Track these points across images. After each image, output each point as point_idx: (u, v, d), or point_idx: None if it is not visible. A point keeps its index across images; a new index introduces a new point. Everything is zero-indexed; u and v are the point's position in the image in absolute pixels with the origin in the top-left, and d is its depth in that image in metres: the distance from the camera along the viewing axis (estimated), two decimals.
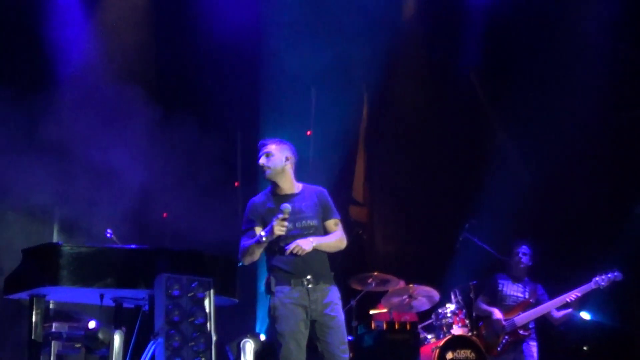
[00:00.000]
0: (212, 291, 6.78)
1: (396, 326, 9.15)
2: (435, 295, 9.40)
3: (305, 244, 6.06)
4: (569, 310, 8.85)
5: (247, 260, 6.20)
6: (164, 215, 10.32)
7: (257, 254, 6.16)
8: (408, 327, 9.17)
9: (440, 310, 9.31)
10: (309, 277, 6.11)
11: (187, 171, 10.22)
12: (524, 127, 10.78)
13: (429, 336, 9.38)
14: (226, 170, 10.84)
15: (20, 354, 8.06)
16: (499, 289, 9.11)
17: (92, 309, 7.65)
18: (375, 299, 9.67)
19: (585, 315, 9.81)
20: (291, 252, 6.04)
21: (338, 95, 11.79)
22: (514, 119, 11.11)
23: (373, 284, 9.44)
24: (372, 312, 9.72)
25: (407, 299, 9.32)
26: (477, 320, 9.23)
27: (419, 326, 9.43)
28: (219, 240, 9.67)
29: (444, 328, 9.16)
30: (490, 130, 11.68)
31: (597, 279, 8.69)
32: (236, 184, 11.17)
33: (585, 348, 10.54)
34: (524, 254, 9.10)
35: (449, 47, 11.61)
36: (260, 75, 10.95)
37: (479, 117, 11.69)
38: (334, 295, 6.21)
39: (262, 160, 6.30)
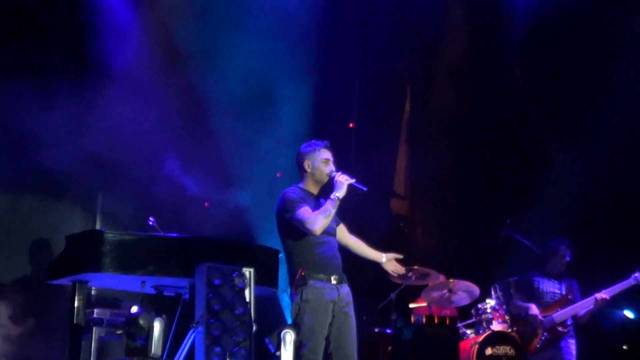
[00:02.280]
0: (252, 281, 6.81)
1: (435, 320, 9.11)
2: (476, 290, 9.35)
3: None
4: (590, 307, 8.76)
5: (322, 222, 6.19)
6: (206, 204, 10.35)
7: (332, 215, 6.25)
8: (447, 321, 9.12)
9: (480, 306, 9.27)
10: (337, 275, 6.29)
11: (229, 161, 10.25)
12: (568, 123, 10.67)
13: (468, 331, 9.34)
14: (266, 161, 10.85)
15: (58, 339, 8.15)
16: (535, 286, 9.06)
17: (133, 296, 7.71)
18: (415, 292, 9.64)
19: (628, 314, 9.71)
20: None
21: (381, 87, 11.76)
22: (559, 115, 11.01)
23: (413, 278, 9.38)
24: (411, 305, 9.70)
25: (447, 294, 9.28)
26: (518, 314, 9.16)
27: (461, 324, 9.39)
28: (260, 230, 9.72)
29: (484, 323, 9.12)
30: (534, 126, 11.57)
31: (636, 274, 8.64)
32: (278, 174, 11.17)
33: (625, 347, 10.41)
34: (568, 250, 9.03)
35: (493, 41, 11.49)
36: (303, 67, 10.91)
37: (523, 112, 11.57)
38: (350, 296, 6.39)
39: (333, 168, 6.47)
